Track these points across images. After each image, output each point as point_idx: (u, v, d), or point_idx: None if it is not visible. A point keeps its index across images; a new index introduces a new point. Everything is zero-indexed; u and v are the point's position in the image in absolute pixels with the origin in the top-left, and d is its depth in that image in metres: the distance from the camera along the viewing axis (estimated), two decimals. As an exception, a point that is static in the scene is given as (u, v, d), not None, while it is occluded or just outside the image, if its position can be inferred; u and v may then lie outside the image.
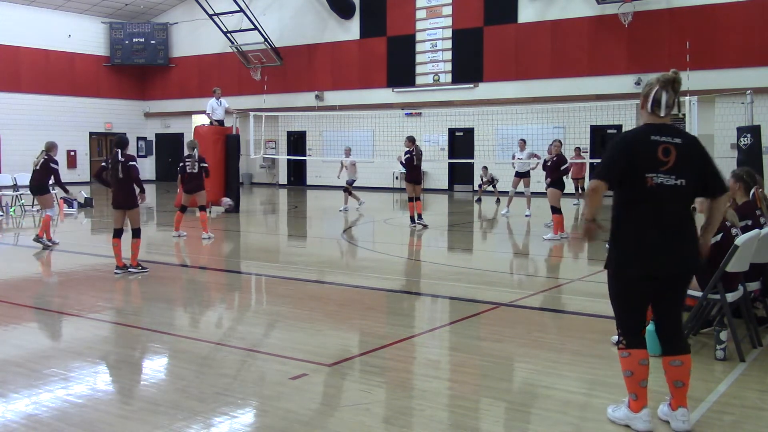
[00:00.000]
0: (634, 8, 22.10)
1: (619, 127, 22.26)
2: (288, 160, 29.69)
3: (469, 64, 25.53)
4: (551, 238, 12.33)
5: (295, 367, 5.14)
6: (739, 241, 5.24)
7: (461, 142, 26.09)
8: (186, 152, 13.21)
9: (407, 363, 5.44)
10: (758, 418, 4.24)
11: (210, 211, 15.55)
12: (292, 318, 6.87)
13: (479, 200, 21.47)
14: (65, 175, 29.01)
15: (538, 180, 13.62)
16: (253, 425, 4.18)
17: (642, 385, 3.97)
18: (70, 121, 30.75)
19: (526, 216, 16.32)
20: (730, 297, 5.40)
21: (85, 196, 19.44)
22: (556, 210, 12.50)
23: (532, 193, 17.29)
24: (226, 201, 11.79)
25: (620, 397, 4.42)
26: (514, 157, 17.49)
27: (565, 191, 13.16)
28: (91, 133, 31.97)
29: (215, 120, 18.54)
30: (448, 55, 26.05)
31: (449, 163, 25.96)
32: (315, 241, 14.14)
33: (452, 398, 4.62)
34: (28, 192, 12.97)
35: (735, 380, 4.86)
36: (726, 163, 17.83)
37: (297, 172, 30.57)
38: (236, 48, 29.25)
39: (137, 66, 33.01)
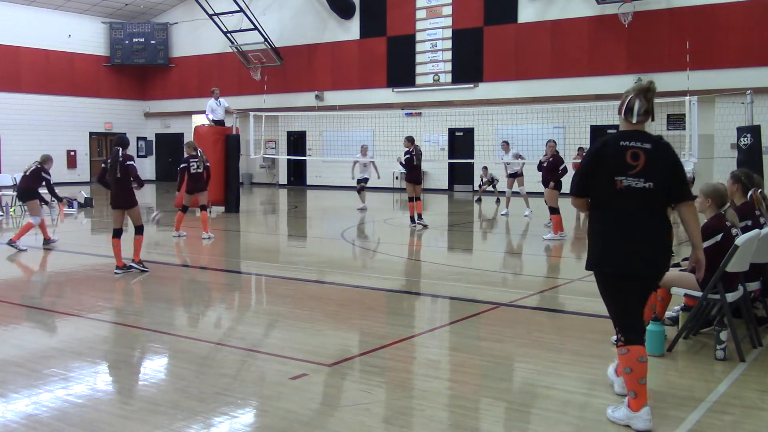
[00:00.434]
0: (634, 8, 22.10)
1: (618, 127, 22.21)
2: (288, 160, 29.69)
3: (469, 64, 25.53)
4: (551, 238, 12.33)
5: (295, 367, 5.14)
6: (739, 241, 5.24)
7: (461, 142, 26.09)
8: (186, 153, 13.20)
9: (407, 363, 5.44)
10: (758, 418, 4.24)
11: (210, 211, 15.55)
12: (292, 318, 6.87)
13: (479, 200, 21.48)
14: (65, 175, 29.46)
15: (537, 180, 13.64)
16: (253, 425, 4.18)
17: (641, 383, 4.03)
18: (70, 121, 30.75)
19: (526, 216, 16.33)
20: (730, 297, 5.40)
21: (85, 196, 19.44)
22: (554, 210, 12.50)
23: (528, 192, 17.33)
24: (156, 215, 11.56)
25: (620, 397, 4.44)
26: (503, 159, 17.67)
27: (562, 191, 13.16)
28: (91, 133, 31.97)
29: (215, 120, 18.54)
30: (448, 55, 26.05)
31: (449, 163, 25.96)
32: (315, 241, 14.14)
33: (452, 398, 4.62)
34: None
35: (735, 380, 4.86)
36: (726, 163, 17.93)
37: (297, 172, 30.57)
38: (236, 48, 29.25)
39: (137, 66, 33.01)
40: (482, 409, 4.44)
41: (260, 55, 29.17)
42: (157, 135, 34.23)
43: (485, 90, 25.27)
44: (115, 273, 9.04)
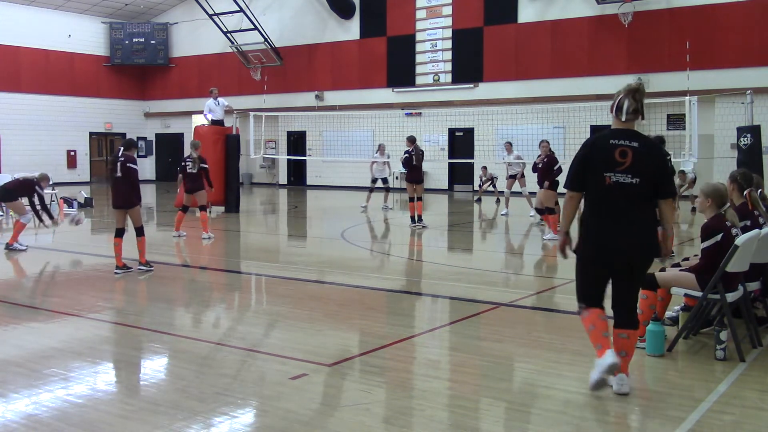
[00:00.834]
0: (634, 8, 22.10)
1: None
2: (288, 160, 29.69)
3: (469, 64, 25.53)
4: (551, 238, 12.33)
5: (295, 367, 5.14)
6: (739, 241, 5.24)
7: (461, 142, 26.09)
8: (187, 152, 13.20)
9: (407, 363, 5.44)
10: (758, 417, 4.25)
11: (210, 211, 15.55)
12: (292, 318, 6.87)
13: (479, 200, 21.48)
14: (65, 175, 29.46)
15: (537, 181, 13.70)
16: (253, 425, 4.19)
17: (605, 335, 4.49)
18: (70, 121, 30.74)
19: (531, 216, 16.26)
20: (730, 297, 5.40)
21: (85, 196, 19.43)
22: (550, 210, 12.55)
23: (530, 193, 17.32)
24: (75, 216, 11.35)
25: (620, 397, 4.46)
26: (506, 163, 17.68)
27: (559, 191, 13.17)
28: (91, 133, 31.96)
29: (214, 120, 18.54)
30: (448, 55, 26.05)
31: (449, 163, 25.96)
32: (315, 241, 14.14)
33: (452, 398, 4.62)
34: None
35: (735, 380, 4.86)
36: (726, 163, 17.92)
37: (297, 172, 30.57)
38: (236, 48, 29.24)
39: (137, 66, 33.00)
40: (482, 409, 4.44)
41: (260, 55, 29.17)
42: (157, 135, 34.22)
43: (485, 90, 25.26)
44: (115, 273, 9.04)
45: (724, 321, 5.42)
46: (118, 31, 32.09)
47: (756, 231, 5.55)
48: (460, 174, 26.42)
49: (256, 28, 28.22)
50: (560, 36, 23.85)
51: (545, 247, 11.92)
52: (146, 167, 32.80)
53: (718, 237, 5.39)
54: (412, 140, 14.55)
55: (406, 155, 14.31)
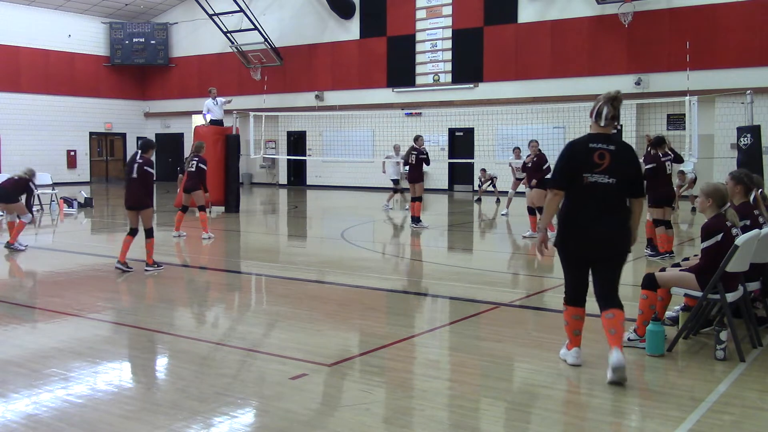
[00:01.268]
0: (634, 8, 22.10)
1: (618, 127, 22.24)
2: (288, 160, 29.69)
3: (469, 64, 25.53)
4: (530, 236, 12.51)
5: (295, 367, 5.14)
6: (739, 241, 5.24)
7: (461, 142, 26.09)
8: (188, 153, 13.23)
9: (407, 363, 5.44)
10: (758, 417, 4.24)
11: (210, 211, 15.55)
12: (292, 318, 6.87)
13: (479, 200, 21.48)
14: (65, 175, 29.47)
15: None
16: (253, 425, 4.18)
17: (575, 334, 5.13)
18: (70, 121, 30.75)
19: None
20: (730, 297, 5.40)
21: (85, 196, 19.44)
22: (539, 210, 12.61)
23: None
24: (27, 217, 11.30)
25: (620, 397, 4.47)
26: (511, 165, 17.72)
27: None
28: (91, 133, 31.97)
29: (213, 120, 18.54)
30: (448, 55, 26.05)
31: (449, 163, 25.96)
32: (315, 241, 14.14)
33: (452, 398, 4.62)
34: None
35: (735, 380, 4.86)
36: (726, 163, 17.92)
37: (297, 172, 30.56)
38: (236, 48, 29.24)
39: (137, 66, 33.00)
40: (482, 409, 4.44)
41: (260, 55, 29.17)
42: (157, 135, 34.14)
43: (485, 90, 25.26)
44: (116, 267, 9.15)
45: (724, 321, 5.42)
46: (118, 31, 32.08)
47: (756, 231, 5.55)
48: (460, 174, 26.42)
49: (256, 28, 28.21)
50: (560, 36, 23.85)
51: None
52: (146, 167, 32.74)
53: (719, 237, 5.39)
54: (414, 139, 14.63)
55: (425, 156, 14.33)
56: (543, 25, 24.17)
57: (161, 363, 5.55)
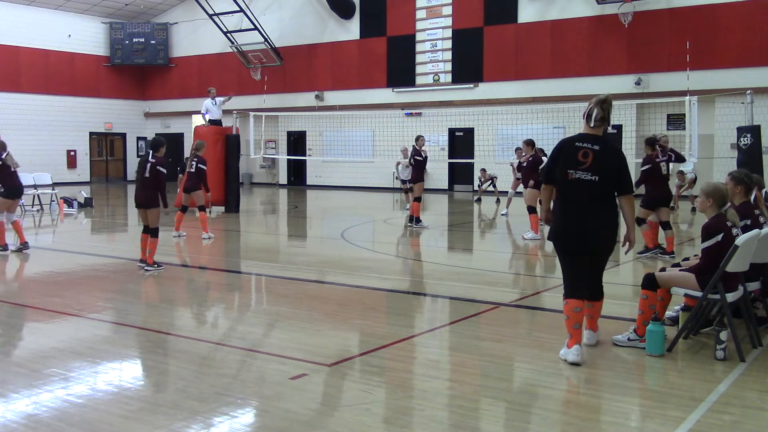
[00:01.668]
0: (634, 8, 22.10)
1: (619, 127, 22.26)
2: (288, 160, 29.69)
3: (469, 64, 25.53)
4: (532, 237, 12.44)
5: (295, 367, 5.14)
6: (739, 241, 5.24)
7: (461, 142, 26.09)
8: (188, 153, 13.24)
9: (407, 363, 5.44)
10: (758, 418, 4.24)
11: (210, 211, 15.55)
12: (292, 318, 6.87)
13: (479, 200, 21.48)
14: (65, 175, 29.46)
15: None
16: (253, 425, 4.18)
17: (575, 328, 5.18)
18: (70, 121, 30.75)
19: None
20: (730, 297, 5.40)
21: (85, 196, 19.44)
22: (533, 210, 12.63)
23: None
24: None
25: (620, 397, 4.45)
26: (513, 165, 17.71)
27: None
28: (91, 133, 31.97)
29: (212, 120, 18.54)
30: (448, 55, 26.05)
31: (449, 163, 25.97)
32: (315, 241, 14.13)
33: (452, 398, 4.62)
34: (27, 192, 12.83)
35: (735, 380, 4.86)
36: (726, 163, 17.92)
37: (297, 172, 30.57)
38: (236, 48, 29.24)
39: (137, 66, 33.01)
40: (482, 409, 4.44)
41: (260, 55, 29.17)
42: (157, 135, 34.18)
43: (485, 90, 25.26)
44: (139, 265, 9.34)
45: (724, 321, 5.42)
46: (118, 31, 32.08)
47: (756, 231, 5.55)
48: (460, 174, 26.42)
49: (256, 28, 28.21)
50: (560, 36, 23.85)
51: (546, 247, 11.91)
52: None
53: (719, 237, 5.39)
54: (415, 139, 14.62)
55: (421, 158, 14.31)
56: (543, 25, 24.17)
57: (161, 363, 5.54)
